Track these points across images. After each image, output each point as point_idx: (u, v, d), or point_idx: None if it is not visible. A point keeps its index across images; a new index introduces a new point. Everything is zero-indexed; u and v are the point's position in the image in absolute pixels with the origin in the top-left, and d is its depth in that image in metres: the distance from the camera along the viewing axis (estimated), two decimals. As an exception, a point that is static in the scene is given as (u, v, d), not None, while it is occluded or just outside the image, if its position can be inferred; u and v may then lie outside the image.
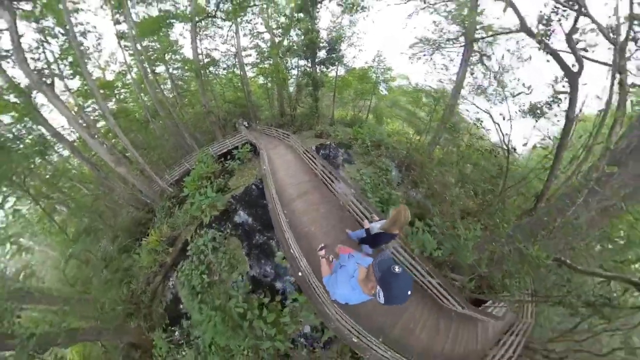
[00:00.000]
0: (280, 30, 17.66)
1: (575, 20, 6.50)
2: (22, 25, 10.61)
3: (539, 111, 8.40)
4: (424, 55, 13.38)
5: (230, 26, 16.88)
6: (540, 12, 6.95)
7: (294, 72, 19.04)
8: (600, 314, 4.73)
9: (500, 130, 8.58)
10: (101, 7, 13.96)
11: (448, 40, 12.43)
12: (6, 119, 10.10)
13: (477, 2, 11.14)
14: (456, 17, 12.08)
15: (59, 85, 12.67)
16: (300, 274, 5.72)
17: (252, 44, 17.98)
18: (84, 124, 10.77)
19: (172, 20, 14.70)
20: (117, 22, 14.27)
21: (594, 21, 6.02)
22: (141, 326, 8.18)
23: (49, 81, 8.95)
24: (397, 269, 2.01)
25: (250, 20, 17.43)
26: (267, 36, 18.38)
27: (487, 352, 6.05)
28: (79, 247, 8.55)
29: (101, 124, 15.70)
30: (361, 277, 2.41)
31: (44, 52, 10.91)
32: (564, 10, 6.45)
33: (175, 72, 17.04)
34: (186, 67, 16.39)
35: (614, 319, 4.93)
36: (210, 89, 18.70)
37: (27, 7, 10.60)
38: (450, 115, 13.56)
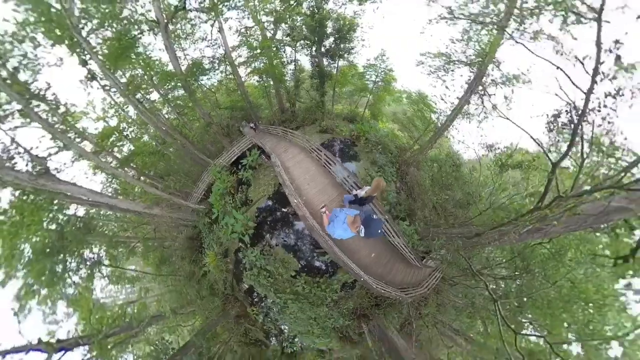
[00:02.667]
0: (272, 20, 14.77)
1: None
2: None
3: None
4: (431, 68, 11.94)
5: (213, 24, 14.09)
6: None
7: (291, 67, 16.94)
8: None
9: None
10: (59, 60, 10.96)
11: (459, 61, 10.85)
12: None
13: (500, 42, 9.30)
14: (474, 42, 10.33)
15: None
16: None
17: (240, 41, 15.26)
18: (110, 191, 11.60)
19: (135, 33, 12.04)
20: (84, 64, 11.97)
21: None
22: (237, 305, 11.87)
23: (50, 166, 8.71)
24: (374, 216, 4.13)
25: (236, 13, 14.38)
26: (257, 32, 15.51)
27: (421, 282, 9.98)
28: (168, 273, 10.99)
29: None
30: (349, 222, 4.18)
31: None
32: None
33: (170, 92, 14.85)
34: (171, 82, 13.92)
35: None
36: (206, 98, 17.18)
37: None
38: (440, 135, 13.07)
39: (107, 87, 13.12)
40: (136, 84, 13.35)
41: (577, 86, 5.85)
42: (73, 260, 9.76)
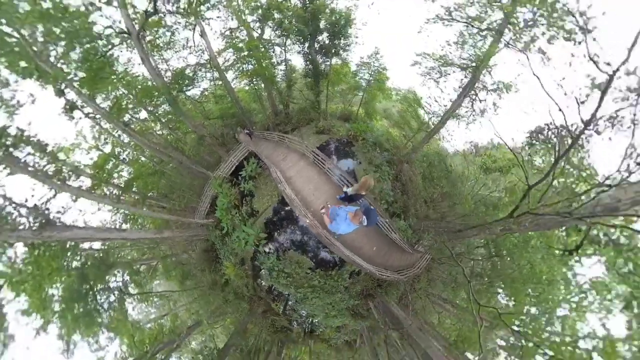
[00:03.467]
0: (258, 18, 13.50)
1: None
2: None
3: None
4: (426, 69, 11.74)
5: (194, 29, 12.58)
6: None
7: (281, 67, 15.86)
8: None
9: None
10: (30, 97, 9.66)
11: (453, 64, 10.66)
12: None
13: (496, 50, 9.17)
14: (470, 46, 10.09)
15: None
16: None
17: (226, 44, 13.84)
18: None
19: (104, 50, 10.36)
20: (61, 94, 10.55)
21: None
22: (262, 303, 13.22)
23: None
24: (371, 207, 5.16)
25: (219, 13, 12.95)
26: (244, 33, 14.10)
27: (414, 264, 11.61)
28: (192, 286, 11.69)
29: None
30: (351, 216, 5.11)
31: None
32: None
33: (160, 109, 13.69)
34: (153, 98, 12.57)
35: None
36: (196, 109, 16.08)
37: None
38: (433, 135, 13.15)
39: (91, 114, 11.83)
40: (121, 105, 12.22)
41: (558, 106, 6.22)
42: (101, 295, 10.16)
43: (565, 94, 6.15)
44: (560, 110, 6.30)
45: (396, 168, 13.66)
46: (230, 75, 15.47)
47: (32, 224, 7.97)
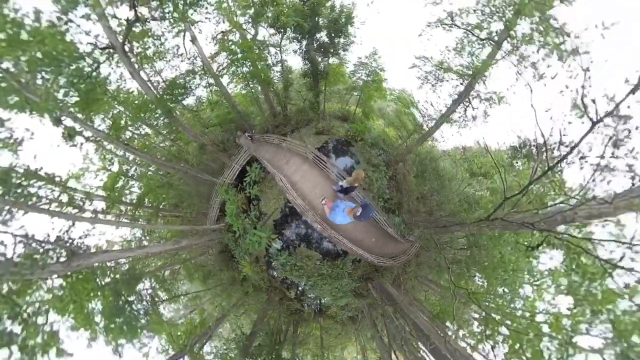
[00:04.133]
0: (250, 18, 12.74)
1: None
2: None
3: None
4: (423, 72, 11.61)
5: (184, 35, 11.83)
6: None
7: (277, 68, 15.27)
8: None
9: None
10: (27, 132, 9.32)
11: (450, 70, 10.53)
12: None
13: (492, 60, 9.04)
14: (468, 53, 9.88)
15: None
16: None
17: (218, 48, 13.21)
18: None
19: (89, 70, 9.49)
20: (58, 122, 10.15)
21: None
22: (278, 292, 14.88)
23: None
24: (368, 202, 6.61)
25: (208, 15, 11.84)
26: (236, 35, 13.46)
27: (405, 251, 13.23)
28: (215, 284, 12.95)
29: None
30: (348, 211, 6.47)
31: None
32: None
33: (159, 122, 13.20)
34: (147, 112, 12.06)
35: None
36: (194, 118, 15.54)
37: None
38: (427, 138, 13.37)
39: (92, 138, 11.67)
40: (119, 124, 11.94)
41: (540, 127, 6.74)
42: (136, 304, 11.30)
43: (551, 117, 6.51)
44: (542, 133, 6.76)
45: (392, 167, 14.38)
46: (225, 80, 14.97)
47: (59, 257, 8.42)
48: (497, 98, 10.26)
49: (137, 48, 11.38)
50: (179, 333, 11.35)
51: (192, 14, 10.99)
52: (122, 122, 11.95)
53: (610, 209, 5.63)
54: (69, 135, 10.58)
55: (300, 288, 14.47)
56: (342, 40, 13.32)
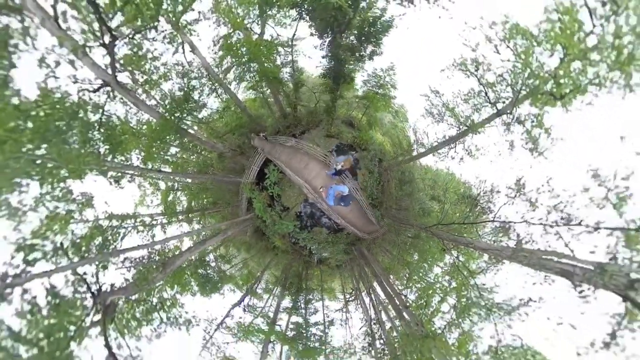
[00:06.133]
0: (255, 15, 11.11)
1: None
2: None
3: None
4: (430, 104, 11.54)
5: (182, 46, 10.92)
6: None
7: (286, 69, 14.43)
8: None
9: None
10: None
11: (452, 112, 10.48)
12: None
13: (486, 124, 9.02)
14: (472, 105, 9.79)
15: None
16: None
17: (221, 54, 12.05)
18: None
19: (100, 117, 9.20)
20: (105, 173, 10.67)
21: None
22: (298, 252, 22.06)
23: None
24: (350, 193, 12.74)
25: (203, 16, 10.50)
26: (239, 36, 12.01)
27: (377, 230, 18.89)
28: (255, 252, 19.54)
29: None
30: (337, 194, 12.45)
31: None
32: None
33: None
34: (160, 139, 11.70)
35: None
36: (209, 128, 15.86)
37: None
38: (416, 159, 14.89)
39: (134, 175, 12.84)
40: (150, 155, 12.37)
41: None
42: (211, 272, 17.10)
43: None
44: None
45: (382, 174, 17.16)
46: (233, 85, 14.69)
47: (158, 266, 11.37)
48: (475, 152, 11.45)
49: (139, 75, 10.73)
50: (240, 283, 18.56)
51: (185, 22, 10.34)
52: (152, 151, 12.04)
53: (497, 253, 9.45)
54: (115, 180, 11.44)
55: (310, 249, 22.06)
56: (371, 47, 12.03)
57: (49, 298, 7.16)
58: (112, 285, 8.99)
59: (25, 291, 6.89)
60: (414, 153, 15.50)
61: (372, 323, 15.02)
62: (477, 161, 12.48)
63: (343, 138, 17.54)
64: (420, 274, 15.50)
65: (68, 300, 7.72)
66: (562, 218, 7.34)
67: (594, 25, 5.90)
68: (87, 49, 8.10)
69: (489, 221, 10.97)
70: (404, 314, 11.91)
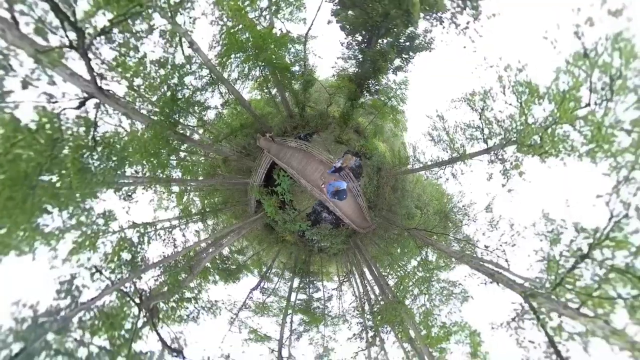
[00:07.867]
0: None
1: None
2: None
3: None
4: (432, 127, 11.30)
5: (181, 44, 9.61)
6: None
7: (295, 68, 13.08)
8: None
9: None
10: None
11: (449, 138, 10.55)
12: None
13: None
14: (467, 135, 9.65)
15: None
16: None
17: (223, 50, 10.49)
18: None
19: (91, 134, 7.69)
20: (129, 197, 10.70)
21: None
22: (303, 243, 25.49)
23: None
24: (345, 186, 12.44)
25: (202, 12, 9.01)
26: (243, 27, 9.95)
27: (370, 226, 22.27)
28: (267, 243, 22.86)
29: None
30: (335, 189, 11.58)
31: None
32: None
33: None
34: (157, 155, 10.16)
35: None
36: (213, 129, 15.01)
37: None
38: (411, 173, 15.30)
39: (145, 187, 12.41)
40: (162, 163, 11.61)
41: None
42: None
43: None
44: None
45: (381, 181, 18.19)
46: (237, 85, 13.51)
47: (186, 269, 12.16)
48: (460, 175, 12.38)
49: (141, 82, 9.51)
50: (254, 270, 21.95)
51: (185, 19, 9.03)
52: (160, 160, 10.93)
53: (450, 254, 12.99)
54: (127, 195, 11.05)
55: (314, 240, 25.56)
56: (399, 61, 10.92)
57: (102, 321, 7.77)
58: (150, 290, 9.79)
59: (80, 319, 7.49)
60: (410, 167, 16.24)
61: (362, 298, 18.80)
62: (462, 180, 13.55)
63: (351, 145, 17.70)
64: (400, 264, 18.21)
65: (117, 315, 8.21)
66: (504, 242, 10.15)
67: (589, 104, 6.21)
68: (61, 57, 5.90)
69: (447, 234, 14.02)
70: (385, 290, 15.25)
